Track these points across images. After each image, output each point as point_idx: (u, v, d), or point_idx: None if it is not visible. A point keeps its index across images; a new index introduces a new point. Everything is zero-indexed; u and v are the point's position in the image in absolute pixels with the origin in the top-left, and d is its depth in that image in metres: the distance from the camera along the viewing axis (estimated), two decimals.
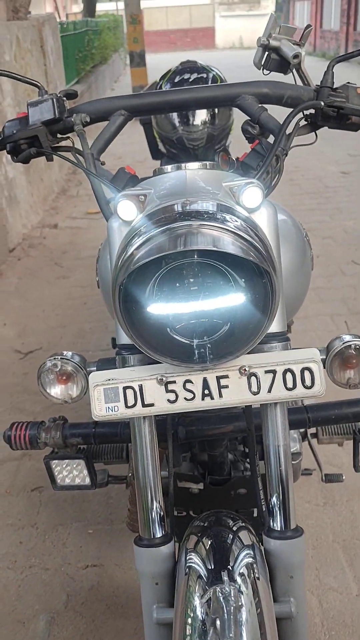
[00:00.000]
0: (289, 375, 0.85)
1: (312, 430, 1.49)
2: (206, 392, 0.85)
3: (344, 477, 1.53)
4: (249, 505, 1.31)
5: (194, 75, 1.80)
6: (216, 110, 1.70)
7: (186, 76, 1.80)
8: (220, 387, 0.85)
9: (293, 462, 1.47)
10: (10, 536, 1.89)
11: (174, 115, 1.71)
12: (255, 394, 0.85)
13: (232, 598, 0.73)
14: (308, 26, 1.11)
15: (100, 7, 18.63)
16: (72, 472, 1.22)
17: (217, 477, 1.29)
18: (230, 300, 0.77)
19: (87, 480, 1.22)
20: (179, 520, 1.32)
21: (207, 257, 0.76)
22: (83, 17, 13.23)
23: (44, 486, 2.08)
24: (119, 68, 17.28)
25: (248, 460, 1.33)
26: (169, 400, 0.85)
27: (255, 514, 1.35)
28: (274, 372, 0.85)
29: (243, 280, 0.76)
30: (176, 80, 1.79)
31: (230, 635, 0.69)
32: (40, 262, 4.08)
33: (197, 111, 1.69)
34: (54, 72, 6.03)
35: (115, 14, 20.32)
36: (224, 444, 1.24)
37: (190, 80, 1.79)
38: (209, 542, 0.89)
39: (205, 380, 0.85)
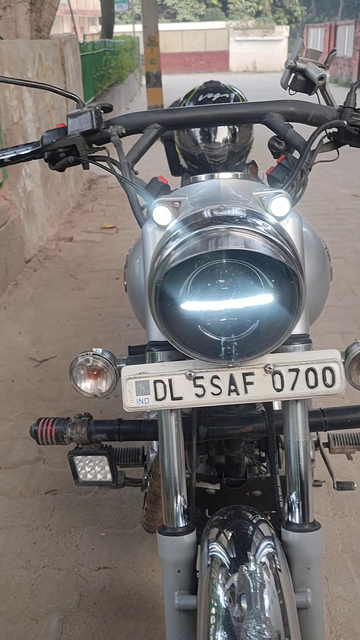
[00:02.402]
0: (311, 374, 0.90)
1: (324, 439, 1.53)
2: (232, 387, 0.90)
3: (355, 486, 1.57)
4: (264, 507, 1.34)
5: (217, 95, 1.87)
6: (237, 128, 1.77)
7: (209, 95, 1.87)
8: (246, 383, 0.90)
9: None
10: (24, 537, 1.93)
11: (197, 132, 1.77)
12: (278, 390, 0.90)
13: (258, 575, 0.77)
14: (333, 50, 1.18)
15: (117, 29, 19.00)
16: (94, 469, 1.26)
17: (233, 479, 1.33)
18: (259, 299, 0.83)
19: (109, 477, 1.26)
20: (196, 520, 1.35)
21: (238, 258, 0.82)
22: (101, 38, 13.50)
23: (58, 489, 2.12)
24: (134, 88, 17.57)
25: (264, 463, 1.37)
26: (197, 395, 0.90)
27: (269, 517, 1.39)
28: (297, 370, 0.90)
29: (272, 281, 0.81)
30: (200, 99, 1.86)
31: (257, 607, 0.73)
32: (55, 274, 4.15)
33: (219, 129, 1.75)
34: (73, 89, 6.17)
35: (132, 36, 20.71)
36: (241, 445, 1.28)
37: (213, 99, 1.86)
38: (230, 533, 0.94)
39: (231, 377, 0.90)
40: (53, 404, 2.63)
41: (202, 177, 0.96)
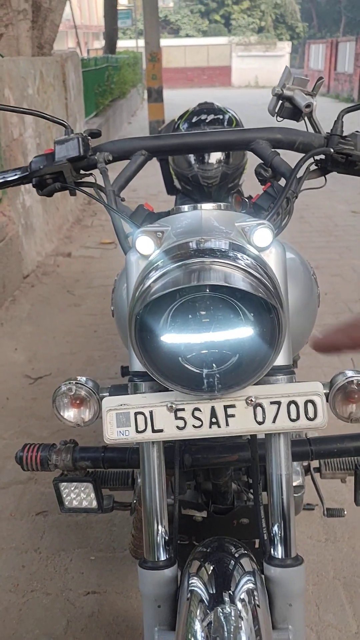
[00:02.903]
0: (293, 407, 0.89)
1: (316, 464, 1.51)
2: (214, 420, 0.89)
3: (345, 512, 1.55)
4: (250, 535, 1.33)
5: (211, 116, 1.87)
6: None
7: (203, 117, 1.87)
8: (227, 415, 0.89)
9: (295, 495, 1.49)
10: (13, 559, 1.91)
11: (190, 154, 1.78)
12: (260, 423, 0.89)
13: (233, 618, 0.76)
14: (320, 78, 1.18)
15: (121, 44, 19.17)
16: (79, 495, 1.25)
17: (220, 506, 1.32)
18: (239, 332, 0.82)
19: (94, 504, 1.25)
20: (182, 548, 1.33)
21: (218, 291, 0.81)
22: (104, 54, 13.63)
23: (48, 511, 2.10)
24: (136, 102, 17.71)
25: (251, 490, 1.35)
26: (177, 427, 0.89)
27: (256, 545, 1.37)
28: (278, 403, 0.89)
29: (252, 314, 0.81)
30: (193, 120, 1.86)
31: None
32: (52, 290, 4.16)
33: None
34: (74, 105, 6.21)
35: (135, 51, 20.92)
36: (228, 473, 1.27)
37: (207, 121, 1.86)
38: (211, 567, 0.92)
39: (213, 409, 0.89)
40: (47, 423, 2.62)
41: (185, 207, 0.96)
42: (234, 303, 0.82)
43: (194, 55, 33.91)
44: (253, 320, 0.82)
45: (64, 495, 1.25)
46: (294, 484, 1.48)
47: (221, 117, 1.87)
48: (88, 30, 31.77)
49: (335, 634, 1.63)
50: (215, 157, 1.77)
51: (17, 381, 2.99)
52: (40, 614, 1.71)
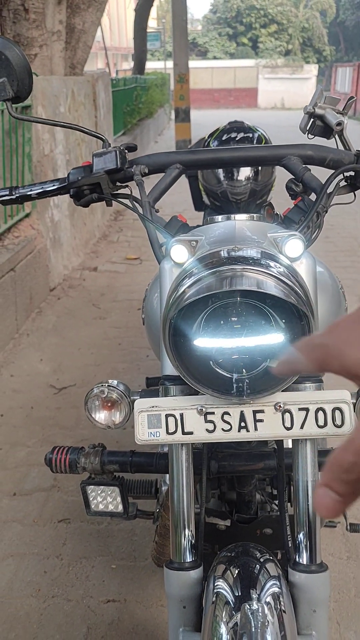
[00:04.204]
0: (320, 414, 0.91)
1: None
2: (242, 424, 0.91)
3: None
4: (274, 546, 1.34)
5: (241, 135, 1.91)
6: (259, 167, 1.81)
7: (233, 135, 1.91)
8: (256, 420, 0.91)
9: None
10: (35, 565, 1.93)
11: (220, 170, 1.82)
12: (288, 429, 0.91)
13: (260, 615, 0.77)
14: (351, 97, 1.22)
15: (149, 65, 19.53)
16: (106, 499, 1.27)
17: (244, 515, 1.33)
18: (270, 339, 0.84)
19: (120, 508, 1.27)
20: (205, 556, 1.35)
21: (250, 298, 0.84)
22: (133, 74, 13.89)
23: (71, 518, 2.12)
24: (163, 122, 17.95)
25: (275, 501, 1.36)
26: (207, 430, 0.92)
27: (279, 556, 1.37)
28: (307, 409, 0.91)
29: (283, 321, 0.83)
30: (223, 138, 1.90)
31: None
32: (78, 303, 4.22)
33: (242, 168, 1.79)
34: (103, 123, 6.34)
35: (163, 72, 21.25)
36: (253, 482, 1.28)
37: (237, 139, 1.90)
38: (236, 571, 0.94)
39: (242, 414, 0.91)
40: (70, 432, 2.65)
41: (219, 218, 1.00)
42: (265, 310, 0.85)
43: (221, 77, 34.32)
44: (284, 327, 0.84)
45: (91, 499, 1.28)
46: None
47: (251, 135, 1.90)
48: (117, 52, 32.38)
49: None
50: (244, 174, 1.81)
51: (41, 391, 3.03)
52: (60, 619, 1.73)
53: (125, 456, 1.22)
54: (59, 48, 5.00)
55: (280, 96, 31.89)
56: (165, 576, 0.98)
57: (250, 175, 1.81)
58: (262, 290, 0.80)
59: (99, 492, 1.26)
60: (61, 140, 4.67)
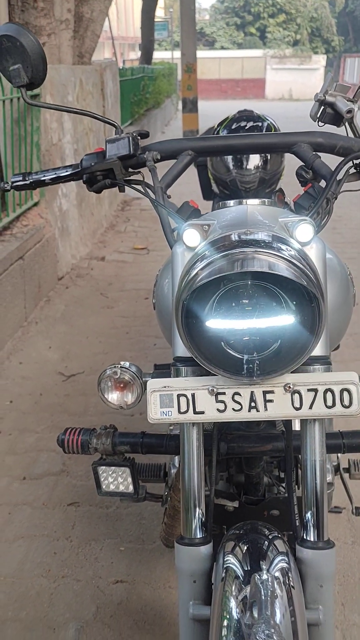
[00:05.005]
0: (329, 395, 0.93)
1: (345, 464, 1.54)
2: (253, 404, 0.93)
3: None
4: (281, 527, 1.36)
5: (250, 124, 1.92)
6: (268, 156, 1.82)
7: (242, 124, 1.92)
8: (266, 400, 0.93)
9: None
10: (45, 546, 1.97)
11: (229, 158, 1.83)
12: (297, 409, 0.93)
13: (270, 584, 0.80)
14: None
15: (157, 55, 19.44)
16: (117, 480, 1.30)
17: (252, 497, 1.35)
18: (281, 320, 0.86)
19: (131, 489, 1.30)
20: (214, 537, 1.38)
21: (261, 279, 0.86)
22: (140, 64, 13.84)
23: (80, 502, 2.16)
24: (170, 112, 17.89)
25: (283, 484, 1.39)
26: (218, 410, 0.94)
27: (286, 538, 1.40)
28: (315, 390, 0.93)
29: (294, 303, 0.85)
30: (233, 127, 1.91)
31: (267, 613, 0.76)
32: (86, 292, 4.24)
33: (251, 156, 1.81)
34: (111, 113, 6.34)
35: (170, 62, 21.16)
36: (260, 464, 1.31)
37: (246, 128, 1.91)
38: (246, 547, 0.96)
39: (252, 394, 0.93)
40: (78, 419, 2.69)
41: (231, 202, 1.01)
42: (276, 292, 0.87)
43: (229, 67, 34.12)
44: (295, 309, 0.86)
45: (102, 479, 1.31)
46: None
47: (260, 124, 1.91)
48: (124, 42, 32.23)
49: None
50: (253, 162, 1.82)
51: (50, 378, 3.06)
52: (70, 599, 1.76)
53: (136, 437, 1.25)
54: (67, 37, 4.99)
55: (288, 87, 31.69)
56: (175, 551, 1.01)
57: (260, 164, 1.82)
58: (273, 272, 0.82)
59: (110, 472, 1.29)
60: (69, 129, 4.68)
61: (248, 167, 1.82)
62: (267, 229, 0.90)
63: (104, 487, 1.31)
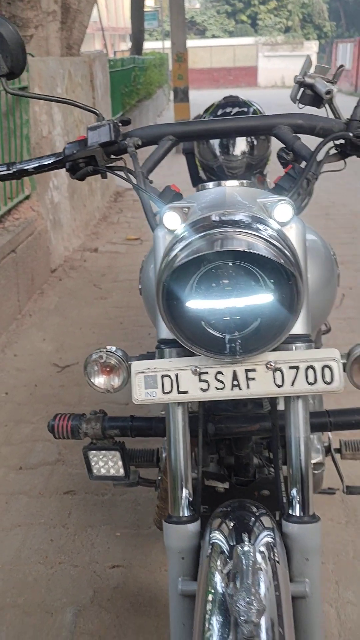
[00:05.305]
0: (310, 372, 0.94)
1: (336, 445, 1.56)
2: (235, 383, 0.95)
3: None
4: (271, 507, 1.38)
5: (236, 109, 1.93)
6: (255, 141, 1.82)
7: (228, 109, 1.93)
8: (248, 379, 0.94)
9: (315, 472, 1.54)
10: (42, 534, 1.99)
11: (215, 144, 1.84)
12: (279, 386, 0.94)
13: (252, 555, 0.81)
14: (341, 66, 1.24)
15: (147, 45, 19.33)
16: (107, 463, 1.32)
17: (242, 478, 1.37)
18: (259, 299, 0.88)
19: (121, 472, 1.32)
20: (204, 519, 1.40)
21: (240, 259, 0.87)
22: (131, 55, 13.76)
23: (76, 490, 2.18)
24: (162, 103, 17.81)
25: (272, 464, 1.41)
26: (201, 389, 0.95)
27: (277, 517, 1.42)
28: (297, 368, 0.94)
29: (272, 281, 0.87)
30: (219, 113, 1.92)
31: (248, 582, 0.78)
32: (80, 283, 4.25)
33: (237, 141, 1.81)
34: (101, 104, 6.31)
35: (161, 52, 21.04)
36: (249, 445, 1.33)
37: (232, 113, 1.92)
38: (232, 523, 0.98)
39: (234, 372, 0.95)
40: (73, 409, 2.70)
41: (210, 184, 1.02)
42: (254, 271, 0.88)
43: (220, 55, 33.93)
44: (273, 288, 0.87)
45: (93, 464, 1.32)
46: (314, 460, 1.53)
47: (246, 109, 1.92)
48: (115, 32, 32.02)
49: (353, 610, 1.67)
50: (239, 148, 1.82)
51: (45, 369, 3.08)
52: (68, 584, 1.79)
53: (125, 421, 1.27)
54: (54, 28, 4.97)
55: (280, 74, 31.54)
56: (164, 530, 1.03)
57: (246, 150, 1.82)
58: (252, 251, 0.84)
59: (101, 457, 1.31)
60: (59, 121, 4.67)
61: (234, 152, 1.83)
62: (245, 210, 0.91)
63: (95, 471, 1.32)
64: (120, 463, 1.31)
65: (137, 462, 1.46)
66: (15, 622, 1.67)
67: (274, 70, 32.07)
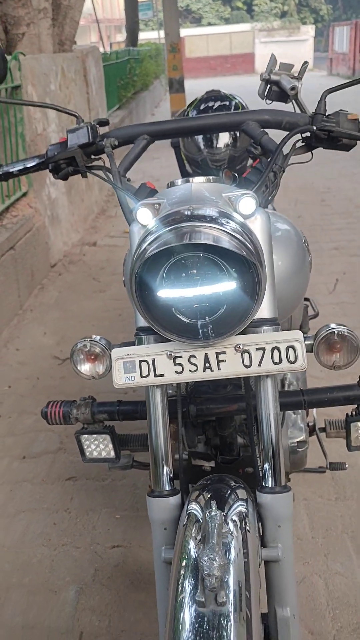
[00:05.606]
0: (275, 352, 1.01)
1: (321, 424, 1.64)
2: (207, 365, 1.02)
3: (347, 466, 1.68)
4: (255, 484, 1.46)
5: (218, 103, 1.99)
6: (237, 134, 1.89)
7: (210, 104, 1.99)
8: (218, 361, 1.02)
9: (299, 450, 1.62)
10: (45, 518, 2.08)
11: (199, 138, 1.90)
12: (247, 367, 1.02)
13: (218, 519, 0.89)
14: (305, 62, 1.30)
15: (143, 36, 19.30)
16: (99, 446, 1.40)
17: (227, 457, 1.45)
18: (224, 286, 0.95)
19: (112, 454, 1.40)
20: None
21: (206, 251, 0.94)
22: (126, 46, 13.75)
23: (77, 477, 2.27)
24: (160, 94, 17.79)
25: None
26: (176, 372, 1.03)
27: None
28: (263, 349, 1.02)
29: (234, 270, 0.94)
30: (201, 107, 1.98)
31: (213, 541, 0.85)
32: (79, 277, 4.33)
33: (221, 135, 1.87)
34: (95, 99, 6.37)
35: (157, 43, 20.98)
36: (232, 425, 1.40)
37: (214, 107, 1.98)
38: (209, 495, 1.06)
39: (206, 355, 1.02)
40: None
41: (179, 181, 1.09)
42: (219, 262, 0.95)
43: (217, 43, 33.76)
44: (236, 276, 0.95)
45: (85, 447, 1.40)
46: (298, 439, 1.61)
47: (227, 103, 1.98)
48: (110, 24, 31.89)
49: (342, 580, 1.75)
50: (222, 141, 1.89)
51: (46, 362, 3.17)
52: (70, 564, 1.88)
53: (113, 406, 1.35)
54: (46, 25, 5.02)
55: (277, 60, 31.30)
56: (147, 504, 1.11)
57: (229, 142, 1.89)
58: (215, 244, 0.91)
59: (92, 440, 1.39)
60: (54, 118, 4.73)
61: (218, 145, 1.89)
62: (211, 204, 0.98)
63: (87, 454, 1.41)
64: (110, 446, 1.38)
65: (132, 446, 1.54)
66: (21, 601, 1.77)
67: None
